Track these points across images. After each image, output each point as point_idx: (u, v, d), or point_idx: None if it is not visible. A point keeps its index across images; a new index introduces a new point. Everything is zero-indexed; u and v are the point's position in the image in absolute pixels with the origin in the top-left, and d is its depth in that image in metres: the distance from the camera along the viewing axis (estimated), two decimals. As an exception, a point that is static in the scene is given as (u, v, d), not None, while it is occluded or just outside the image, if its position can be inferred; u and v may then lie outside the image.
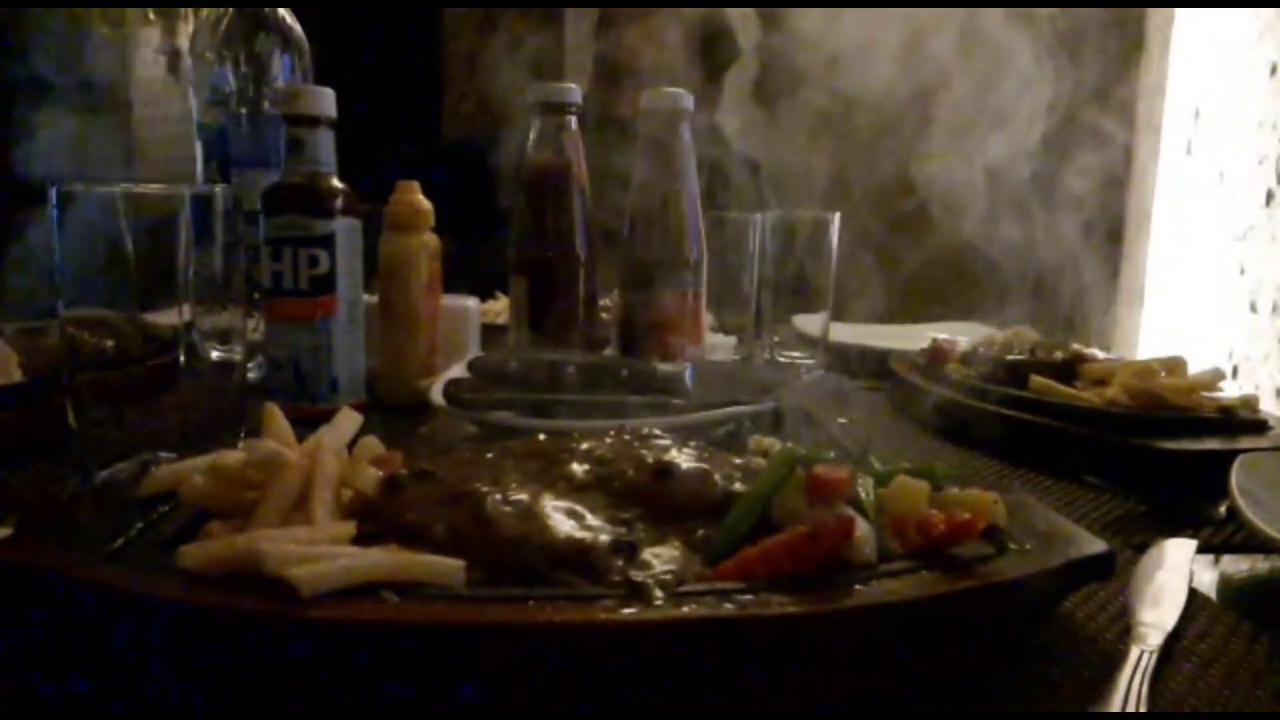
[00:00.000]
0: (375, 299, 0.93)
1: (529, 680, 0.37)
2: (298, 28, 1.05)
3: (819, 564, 0.40)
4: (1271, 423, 0.80)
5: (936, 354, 1.03)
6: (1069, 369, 0.90)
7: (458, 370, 0.82)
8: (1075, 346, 0.95)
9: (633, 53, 1.67)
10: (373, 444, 0.51)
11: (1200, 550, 0.58)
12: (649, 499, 0.46)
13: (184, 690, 0.38)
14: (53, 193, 0.60)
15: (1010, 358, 0.94)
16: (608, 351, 1.02)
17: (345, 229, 0.84)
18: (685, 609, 0.37)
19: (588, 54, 1.84)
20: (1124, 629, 0.47)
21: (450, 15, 2.88)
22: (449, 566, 0.39)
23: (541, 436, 0.55)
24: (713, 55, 1.74)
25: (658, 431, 0.55)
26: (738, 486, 0.47)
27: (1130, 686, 0.41)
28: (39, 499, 0.63)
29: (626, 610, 0.37)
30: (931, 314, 1.53)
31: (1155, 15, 2.19)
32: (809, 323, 1.13)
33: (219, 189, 0.68)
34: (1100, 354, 0.94)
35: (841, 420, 0.76)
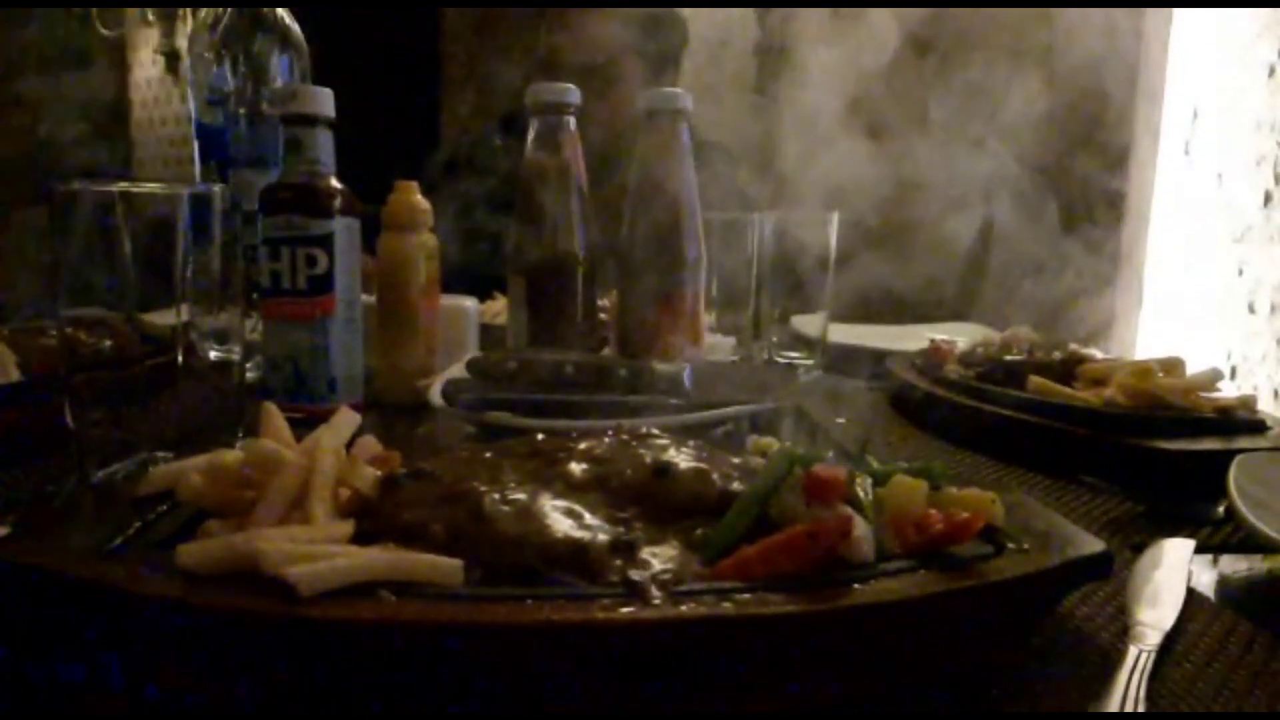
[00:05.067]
0: (374, 299, 0.93)
1: (527, 680, 0.37)
2: (296, 28, 1.05)
3: (817, 563, 0.40)
4: (1269, 423, 0.80)
5: (935, 354, 1.03)
6: (1067, 369, 0.90)
7: (456, 370, 0.82)
8: (1073, 347, 0.95)
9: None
10: (371, 443, 0.51)
11: (1198, 550, 0.58)
12: (647, 498, 0.46)
13: (182, 689, 0.38)
14: (51, 192, 0.60)
15: (1008, 358, 0.94)
16: (606, 351, 1.02)
17: (343, 229, 0.84)
18: (683, 608, 0.37)
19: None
20: (1122, 629, 0.47)
21: (450, 15, 2.88)
22: (447, 566, 0.39)
23: (540, 436, 0.55)
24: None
25: (656, 431, 0.55)
26: (736, 486, 0.47)
27: (1128, 686, 0.41)
28: (37, 498, 0.63)
29: (625, 609, 0.37)
30: (930, 314, 1.53)
31: (1153, 15, 2.18)
32: (807, 323, 1.13)
33: (217, 189, 0.68)
34: (1098, 354, 0.94)
35: (839, 420, 0.76)
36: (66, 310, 0.62)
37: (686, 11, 1.81)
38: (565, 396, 0.76)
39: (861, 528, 0.42)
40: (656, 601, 0.38)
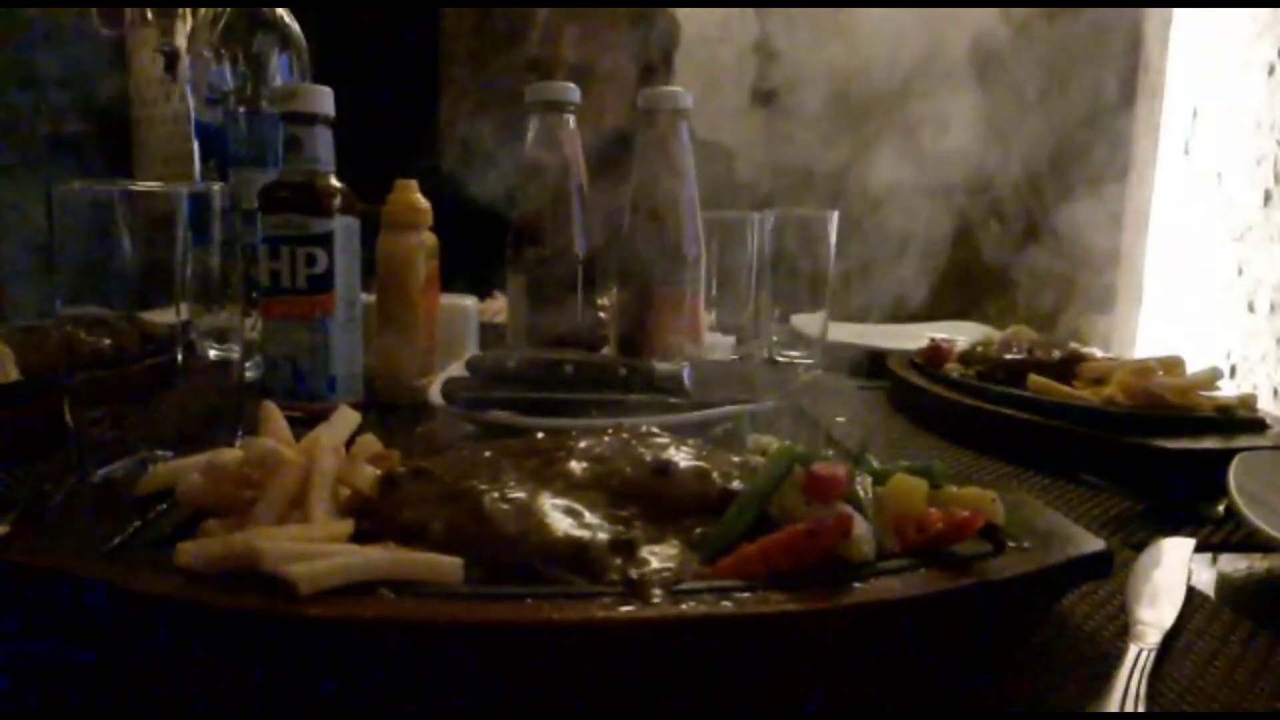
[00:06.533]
0: (373, 298, 0.93)
1: (527, 678, 0.37)
2: (296, 26, 1.05)
3: (817, 562, 0.40)
4: (1269, 421, 0.80)
5: (935, 353, 1.03)
6: (1067, 368, 0.90)
7: (456, 369, 0.82)
8: (1073, 345, 0.95)
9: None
10: (370, 442, 0.51)
11: (1198, 549, 0.58)
12: (647, 497, 0.46)
13: (181, 688, 0.38)
14: (51, 191, 0.60)
15: (1008, 357, 0.94)
16: (606, 350, 1.02)
17: (343, 227, 0.84)
18: (683, 607, 0.37)
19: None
20: (1122, 627, 0.47)
21: (450, 15, 2.88)
22: (447, 564, 0.39)
23: (539, 435, 0.55)
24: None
25: (656, 430, 0.55)
26: (736, 485, 0.47)
27: (1129, 685, 0.41)
28: (36, 497, 0.63)
29: (625, 608, 0.37)
30: (929, 313, 1.53)
31: (1153, 15, 2.19)
32: (807, 322, 1.13)
33: (217, 188, 0.68)
34: (1098, 353, 0.94)
35: (839, 419, 0.76)
36: (66, 309, 0.62)
37: (683, 10, 1.81)
38: (565, 395, 0.76)
39: (861, 526, 0.42)
40: (656, 600, 0.38)
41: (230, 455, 0.47)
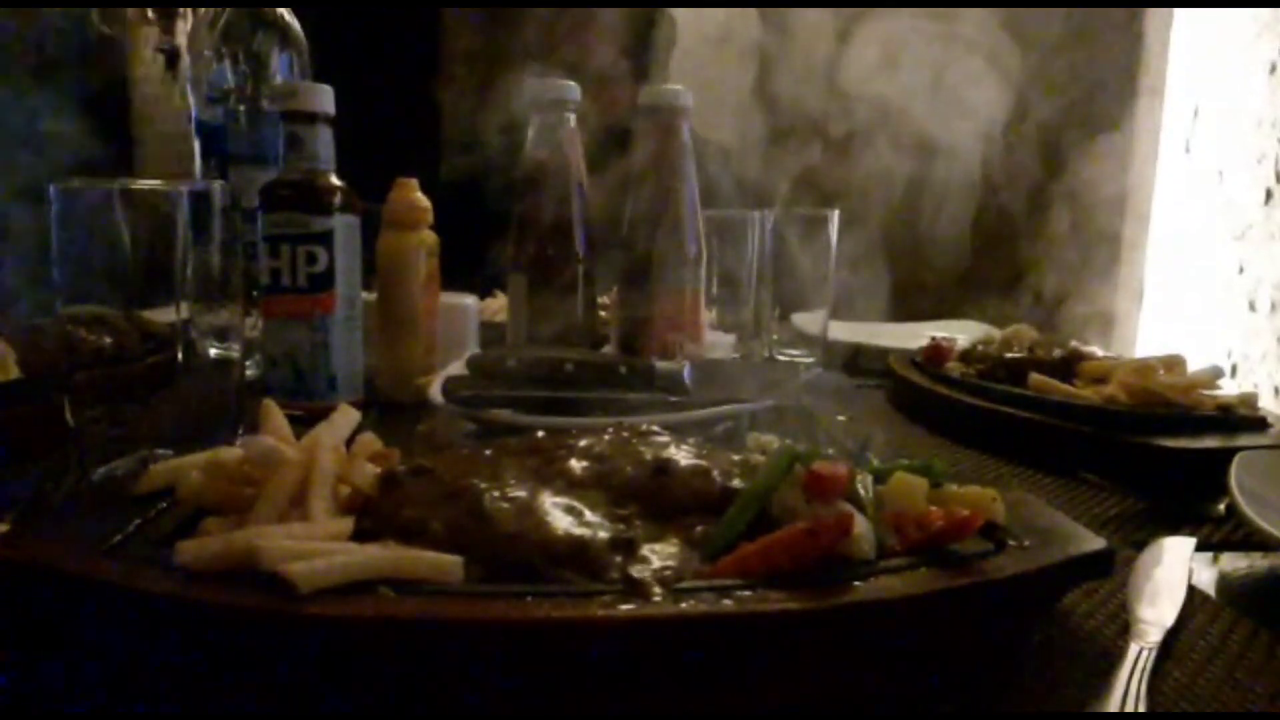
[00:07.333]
0: (374, 296, 0.93)
1: (527, 677, 0.37)
2: (296, 25, 1.05)
3: (817, 560, 0.40)
4: (1270, 420, 0.80)
5: (935, 352, 1.03)
6: (1068, 367, 0.90)
7: (456, 368, 0.82)
8: (1074, 344, 0.95)
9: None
10: (371, 441, 0.51)
11: (1199, 548, 0.58)
12: (647, 496, 0.46)
13: (181, 687, 0.38)
14: (51, 190, 0.60)
15: (1009, 355, 0.94)
16: (606, 349, 1.02)
17: (343, 226, 0.84)
18: (684, 605, 0.37)
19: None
20: (1123, 626, 0.47)
21: (450, 14, 2.88)
22: (447, 563, 0.39)
23: (540, 433, 0.55)
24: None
25: (656, 428, 0.55)
26: (736, 483, 0.47)
27: (1129, 684, 0.41)
28: (37, 496, 0.63)
29: (625, 607, 0.37)
30: (930, 312, 1.53)
31: (1154, 14, 2.18)
32: (808, 321, 1.13)
33: (217, 186, 0.68)
34: (1099, 352, 0.94)
35: (840, 418, 0.76)
36: (66, 308, 0.62)
37: (682, 10, 1.82)
38: (565, 394, 0.76)
39: (862, 525, 0.42)
40: (657, 599, 0.38)
41: (230, 454, 0.47)
